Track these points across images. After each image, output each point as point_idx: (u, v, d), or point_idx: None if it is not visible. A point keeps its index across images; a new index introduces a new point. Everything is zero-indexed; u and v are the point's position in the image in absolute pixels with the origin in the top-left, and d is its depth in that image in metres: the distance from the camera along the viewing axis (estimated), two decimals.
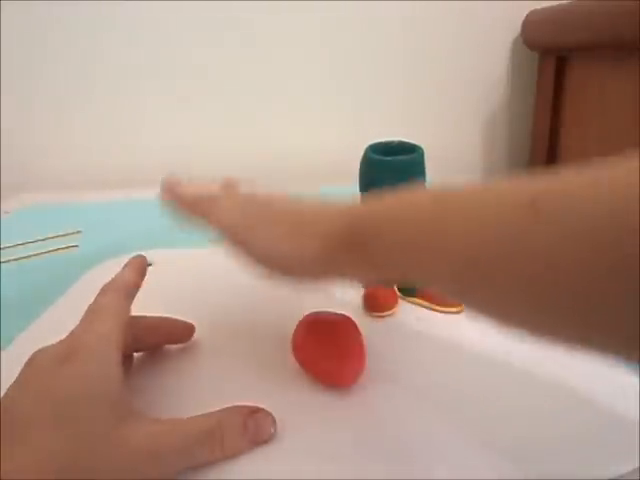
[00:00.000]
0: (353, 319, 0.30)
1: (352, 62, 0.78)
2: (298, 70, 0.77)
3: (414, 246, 0.20)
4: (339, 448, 0.24)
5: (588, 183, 0.16)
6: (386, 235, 0.21)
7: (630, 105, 0.56)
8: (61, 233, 0.56)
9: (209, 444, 0.23)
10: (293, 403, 0.27)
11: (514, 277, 0.17)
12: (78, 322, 0.26)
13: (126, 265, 0.30)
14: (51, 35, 0.73)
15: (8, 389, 0.22)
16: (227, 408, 0.24)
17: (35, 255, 0.50)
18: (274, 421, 0.25)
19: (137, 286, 0.29)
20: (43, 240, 0.54)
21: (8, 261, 0.49)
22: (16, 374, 0.23)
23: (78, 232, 0.56)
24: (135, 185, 0.77)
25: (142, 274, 0.29)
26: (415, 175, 0.34)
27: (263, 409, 0.25)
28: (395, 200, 0.22)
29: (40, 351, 0.24)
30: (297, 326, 0.30)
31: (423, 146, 0.34)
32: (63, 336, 0.25)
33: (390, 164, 0.33)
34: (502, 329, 0.18)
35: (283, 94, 0.79)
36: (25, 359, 0.24)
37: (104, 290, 0.27)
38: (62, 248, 0.52)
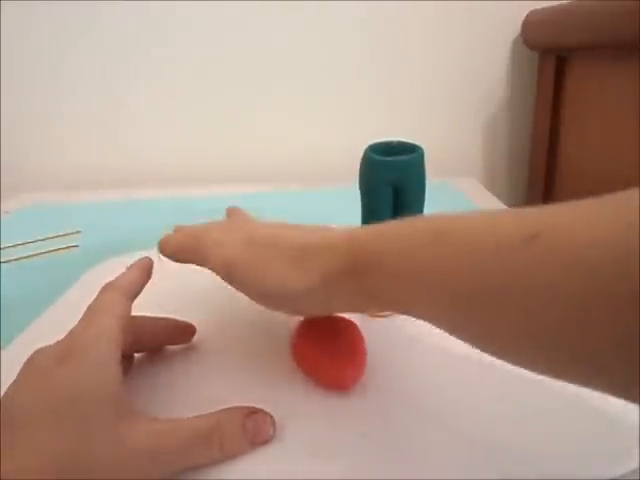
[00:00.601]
0: (353, 319, 0.30)
1: (352, 62, 0.78)
2: (298, 70, 0.77)
3: (412, 280, 0.20)
4: (338, 449, 0.24)
5: (589, 219, 0.16)
6: (385, 268, 0.21)
7: (630, 105, 0.56)
8: (61, 233, 0.56)
9: (208, 445, 0.23)
10: (292, 404, 0.27)
11: (512, 311, 0.17)
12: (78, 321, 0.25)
13: (131, 265, 0.30)
14: (51, 35, 0.73)
15: (7, 389, 0.22)
16: (226, 409, 0.24)
17: (35, 255, 0.50)
18: (273, 422, 0.25)
19: (140, 287, 0.28)
20: (43, 240, 0.54)
21: (8, 261, 0.49)
22: (16, 374, 0.23)
23: (78, 232, 0.56)
24: (135, 185, 0.77)
25: (146, 275, 0.29)
26: (415, 175, 0.34)
27: (262, 410, 0.25)
28: (395, 231, 0.22)
29: (39, 351, 0.24)
30: (296, 327, 0.30)
31: (423, 146, 0.34)
32: (63, 336, 0.25)
33: (390, 164, 0.33)
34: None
35: (282, 94, 0.78)
36: (25, 359, 0.24)
37: (105, 288, 0.27)
38: (62, 248, 0.52)
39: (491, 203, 0.65)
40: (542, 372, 0.18)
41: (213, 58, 0.76)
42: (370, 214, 0.36)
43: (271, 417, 0.25)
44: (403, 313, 0.22)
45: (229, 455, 0.23)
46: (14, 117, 0.77)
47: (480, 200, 0.66)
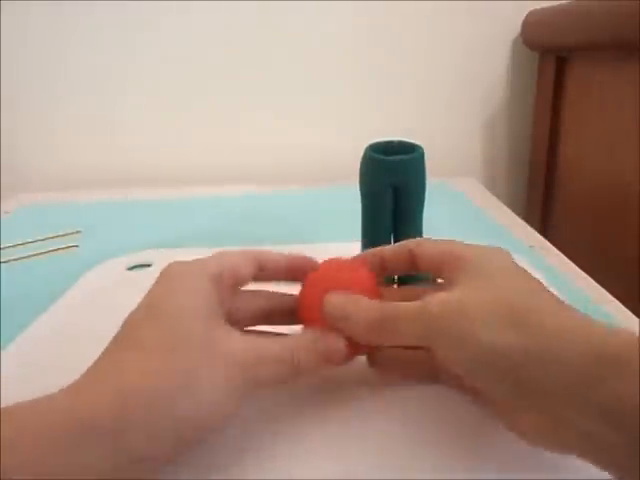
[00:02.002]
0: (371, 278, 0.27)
1: (352, 62, 0.78)
2: (297, 70, 0.77)
3: None
4: (337, 450, 0.24)
5: None
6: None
7: (630, 105, 0.56)
8: (61, 233, 0.56)
9: (288, 363, 0.24)
10: (291, 402, 0.27)
11: None
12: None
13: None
14: (51, 35, 0.74)
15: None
16: (296, 334, 0.25)
17: (35, 255, 0.50)
18: (344, 341, 0.25)
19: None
20: (43, 240, 0.54)
21: (8, 261, 0.49)
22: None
23: (78, 232, 0.56)
24: (135, 185, 0.77)
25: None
26: (415, 175, 0.34)
27: (332, 332, 0.25)
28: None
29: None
30: (306, 278, 0.27)
31: (423, 146, 0.34)
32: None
33: (390, 163, 0.33)
34: None
35: (282, 93, 0.79)
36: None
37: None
38: (62, 248, 0.52)
39: (491, 203, 0.65)
40: None
41: (212, 58, 0.76)
42: (370, 214, 0.36)
43: (342, 339, 0.25)
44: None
45: (305, 372, 0.24)
46: (14, 117, 0.77)
47: (480, 200, 0.66)
